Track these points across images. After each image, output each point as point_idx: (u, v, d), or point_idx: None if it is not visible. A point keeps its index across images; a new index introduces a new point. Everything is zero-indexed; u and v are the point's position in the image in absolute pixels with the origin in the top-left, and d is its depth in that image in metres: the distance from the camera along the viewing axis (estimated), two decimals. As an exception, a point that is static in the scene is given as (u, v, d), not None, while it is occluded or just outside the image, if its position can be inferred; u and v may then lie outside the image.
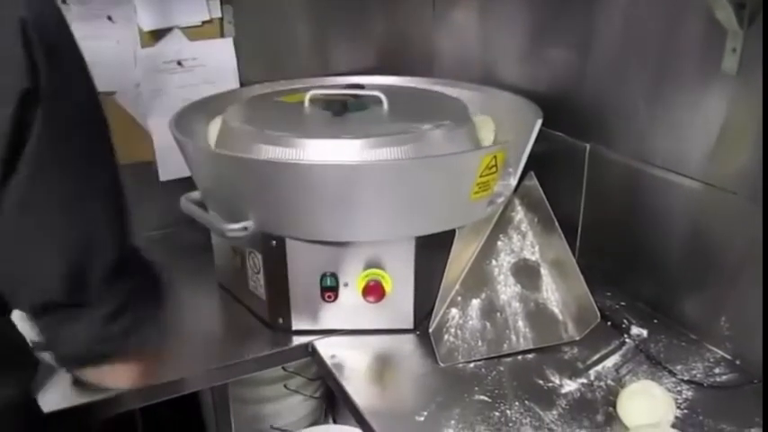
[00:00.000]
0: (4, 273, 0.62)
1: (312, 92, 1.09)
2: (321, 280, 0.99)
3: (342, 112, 1.05)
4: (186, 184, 1.11)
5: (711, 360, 0.97)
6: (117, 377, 0.73)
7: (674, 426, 0.83)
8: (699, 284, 1.01)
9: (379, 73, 1.35)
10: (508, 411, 0.87)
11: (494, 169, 0.95)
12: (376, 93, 1.06)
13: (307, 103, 1.08)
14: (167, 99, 1.31)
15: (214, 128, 1.09)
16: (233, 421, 1.26)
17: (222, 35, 1.34)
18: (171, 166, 1.32)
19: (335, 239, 0.97)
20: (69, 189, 0.61)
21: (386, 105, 1.05)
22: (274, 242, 0.98)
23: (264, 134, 0.97)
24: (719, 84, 0.93)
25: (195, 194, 1.07)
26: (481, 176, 0.94)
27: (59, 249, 0.61)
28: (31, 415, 0.74)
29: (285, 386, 1.31)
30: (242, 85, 1.37)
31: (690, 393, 0.90)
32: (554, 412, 0.87)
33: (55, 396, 0.90)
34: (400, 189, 0.91)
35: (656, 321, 1.06)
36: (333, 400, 1.55)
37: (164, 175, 1.34)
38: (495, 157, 0.94)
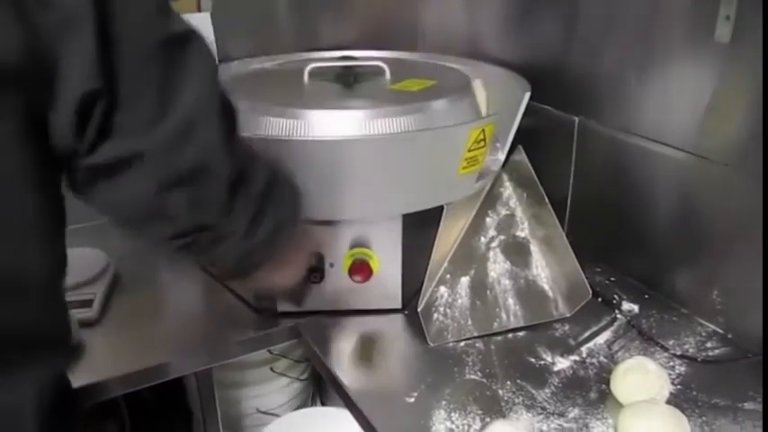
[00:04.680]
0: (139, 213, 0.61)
1: (312, 65, 1.05)
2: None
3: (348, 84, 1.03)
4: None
5: (703, 334, 0.96)
6: (279, 277, 0.80)
7: (668, 401, 0.81)
8: (690, 258, 1.00)
9: (362, 47, 1.32)
10: (500, 390, 0.85)
11: (482, 143, 0.92)
12: (378, 63, 1.05)
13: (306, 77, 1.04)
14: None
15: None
16: (218, 406, 1.24)
17: (199, 9, 1.30)
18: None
19: (320, 218, 0.94)
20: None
21: (388, 76, 1.04)
22: (257, 222, 0.95)
23: (242, 107, 0.94)
24: (711, 52, 0.91)
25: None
26: (469, 150, 0.91)
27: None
28: (65, 397, 0.73)
29: (271, 369, 1.28)
30: (220, 61, 1.32)
31: (683, 368, 0.89)
32: (547, 390, 0.85)
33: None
34: (386, 165, 0.88)
35: (647, 297, 1.04)
36: (321, 382, 1.53)
37: (142, 156, 1.30)
38: (483, 130, 0.91)
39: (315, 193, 0.90)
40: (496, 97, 1.08)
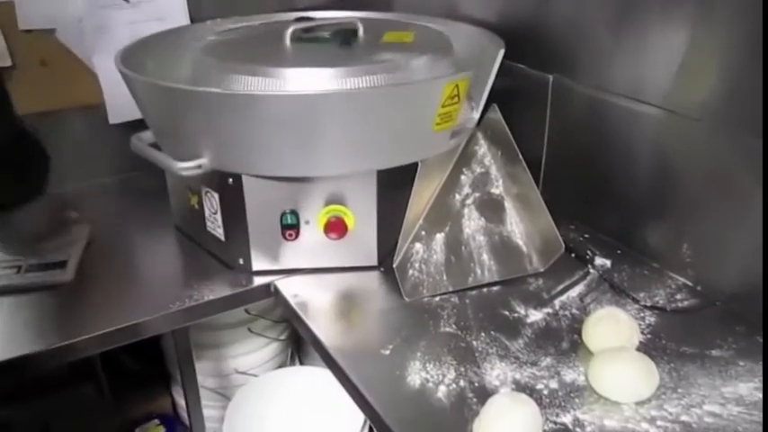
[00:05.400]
0: None
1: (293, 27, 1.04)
2: (281, 218, 0.96)
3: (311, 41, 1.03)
4: (138, 126, 1.06)
5: (673, 287, 0.98)
6: None
7: (638, 350, 0.83)
8: (661, 213, 1.01)
9: (337, 7, 1.30)
10: (474, 342, 0.86)
11: (456, 99, 0.92)
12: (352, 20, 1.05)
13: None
14: (113, 37, 1.24)
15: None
16: (197, 367, 1.25)
17: (169, -33, 1.27)
18: (121, 107, 1.26)
19: (294, 175, 0.93)
20: None
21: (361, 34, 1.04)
22: (231, 180, 0.94)
23: (216, 65, 0.93)
24: (684, 7, 0.91)
25: (146, 134, 1.03)
26: (443, 106, 0.91)
27: None
28: None
29: (249, 329, 1.29)
30: (192, 21, 1.30)
31: (653, 319, 0.91)
32: (520, 341, 0.87)
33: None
34: (360, 120, 0.88)
35: (619, 252, 1.06)
36: (299, 342, 1.54)
37: (113, 118, 1.28)
38: (456, 86, 0.91)
39: (288, 149, 0.90)
40: (471, 56, 1.08)
